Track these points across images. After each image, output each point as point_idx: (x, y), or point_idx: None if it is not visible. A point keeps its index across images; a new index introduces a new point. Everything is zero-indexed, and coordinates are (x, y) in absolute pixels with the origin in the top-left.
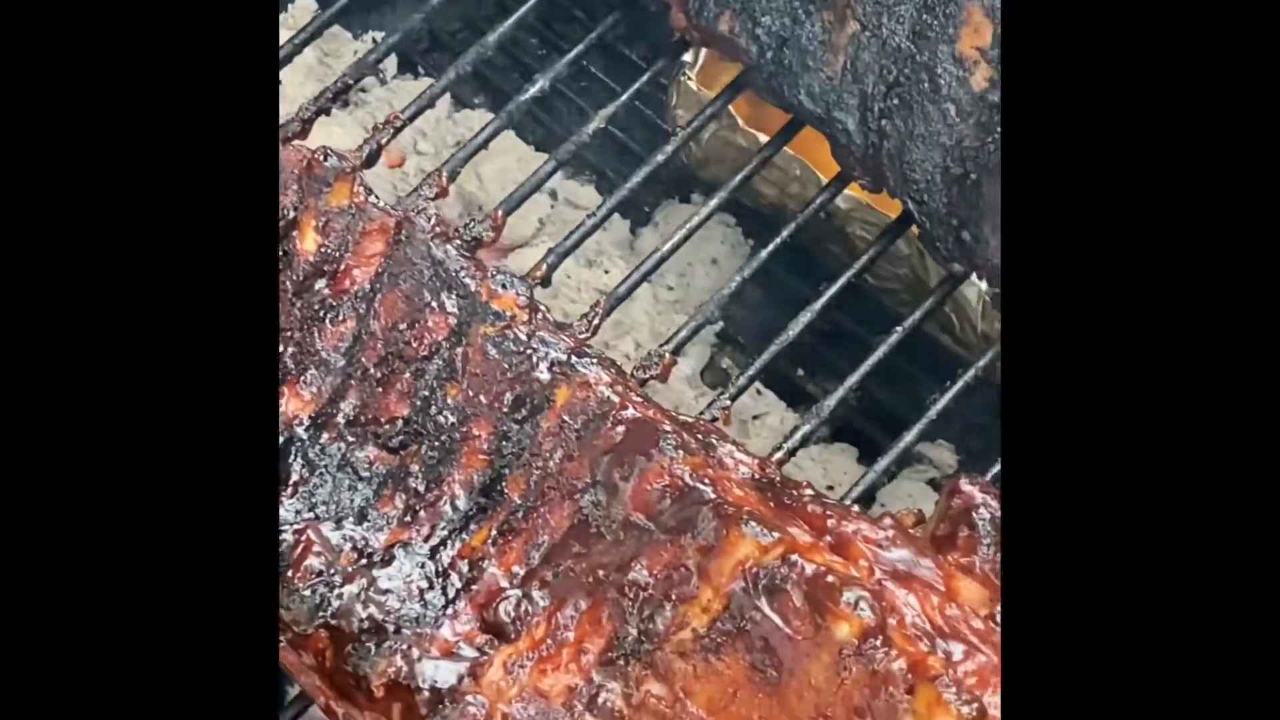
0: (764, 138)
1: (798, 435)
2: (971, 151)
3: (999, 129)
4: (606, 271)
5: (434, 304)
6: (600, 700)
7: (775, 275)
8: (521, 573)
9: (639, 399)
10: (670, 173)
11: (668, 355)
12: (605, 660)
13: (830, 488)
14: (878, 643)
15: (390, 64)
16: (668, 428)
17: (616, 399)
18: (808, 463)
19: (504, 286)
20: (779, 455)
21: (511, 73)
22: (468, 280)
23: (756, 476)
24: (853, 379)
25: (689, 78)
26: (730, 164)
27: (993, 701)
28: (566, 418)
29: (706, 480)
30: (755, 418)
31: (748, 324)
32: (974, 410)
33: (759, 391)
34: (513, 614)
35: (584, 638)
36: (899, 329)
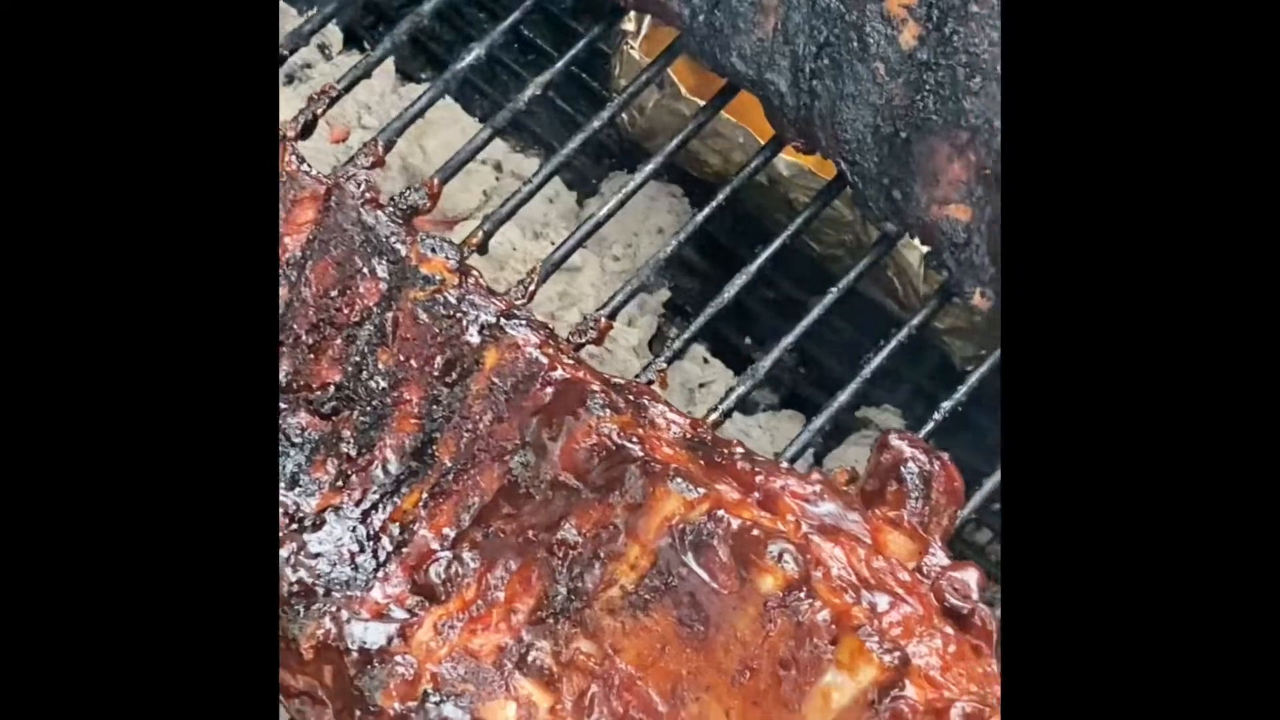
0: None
1: (733, 396)
2: (901, 110)
3: (929, 90)
4: (554, 244)
5: (365, 270)
6: (530, 659)
7: (723, 245)
8: (452, 535)
9: (569, 361)
10: (618, 145)
11: (604, 320)
12: (535, 619)
13: (777, 455)
14: (802, 595)
15: (336, 40)
16: (596, 388)
17: (545, 360)
18: (756, 430)
19: (433, 251)
20: (714, 417)
21: (458, 46)
22: (398, 245)
23: (688, 436)
24: (788, 339)
25: (632, 47)
26: (675, 134)
27: (917, 650)
28: (496, 380)
29: (635, 439)
30: (702, 385)
31: (696, 294)
32: (920, 374)
33: (705, 360)
34: (443, 576)
35: (514, 598)
36: (834, 289)
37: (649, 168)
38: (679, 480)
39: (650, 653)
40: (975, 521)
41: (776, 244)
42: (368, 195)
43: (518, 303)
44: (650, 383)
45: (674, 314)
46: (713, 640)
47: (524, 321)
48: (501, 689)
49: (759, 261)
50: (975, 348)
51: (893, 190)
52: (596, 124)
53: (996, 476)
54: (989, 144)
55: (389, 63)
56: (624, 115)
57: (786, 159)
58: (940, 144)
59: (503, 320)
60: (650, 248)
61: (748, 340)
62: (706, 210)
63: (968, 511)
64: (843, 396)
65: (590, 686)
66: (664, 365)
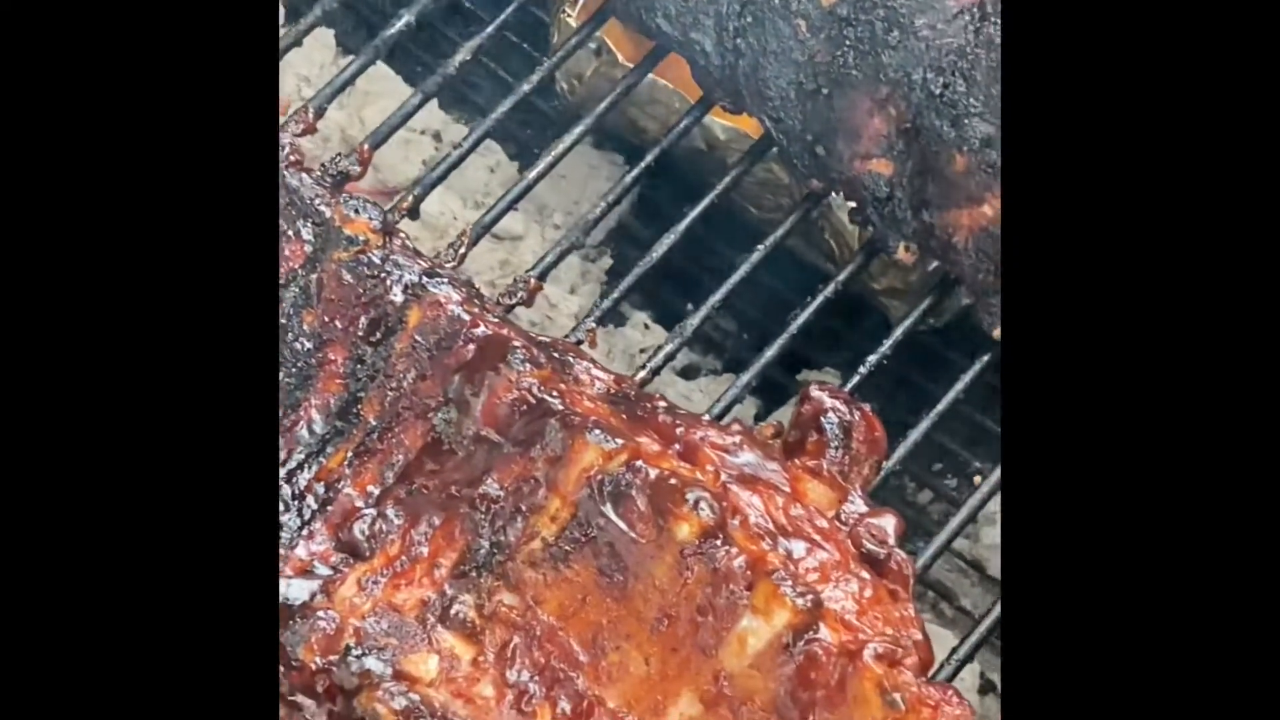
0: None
1: (661, 354)
2: (823, 66)
3: (849, 46)
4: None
5: (289, 232)
6: (453, 612)
7: (665, 212)
8: (376, 492)
9: (494, 320)
10: (559, 115)
11: (534, 280)
12: (458, 573)
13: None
14: (718, 542)
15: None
16: (518, 343)
17: (467, 317)
18: (697, 394)
19: (356, 212)
20: (642, 375)
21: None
22: (323, 207)
23: (612, 391)
24: (715, 297)
25: (569, 15)
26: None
27: (832, 595)
28: (419, 338)
29: (555, 393)
30: (643, 351)
31: (639, 261)
32: (861, 337)
33: (646, 326)
34: (367, 533)
35: (437, 552)
36: (760, 247)
37: (578, 129)
38: (597, 432)
39: (571, 603)
40: (901, 474)
41: (704, 204)
42: (292, 159)
43: (448, 265)
44: (580, 342)
45: (617, 282)
46: (632, 589)
47: (446, 280)
48: (424, 642)
49: (686, 221)
50: (911, 308)
51: (816, 147)
52: (526, 87)
53: (922, 427)
54: (908, 98)
55: (329, 36)
56: (563, 84)
57: (723, 123)
58: (861, 99)
59: (425, 279)
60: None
61: (690, 306)
62: (635, 171)
63: (892, 464)
64: (770, 352)
65: (512, 638)
66: (593, 325)
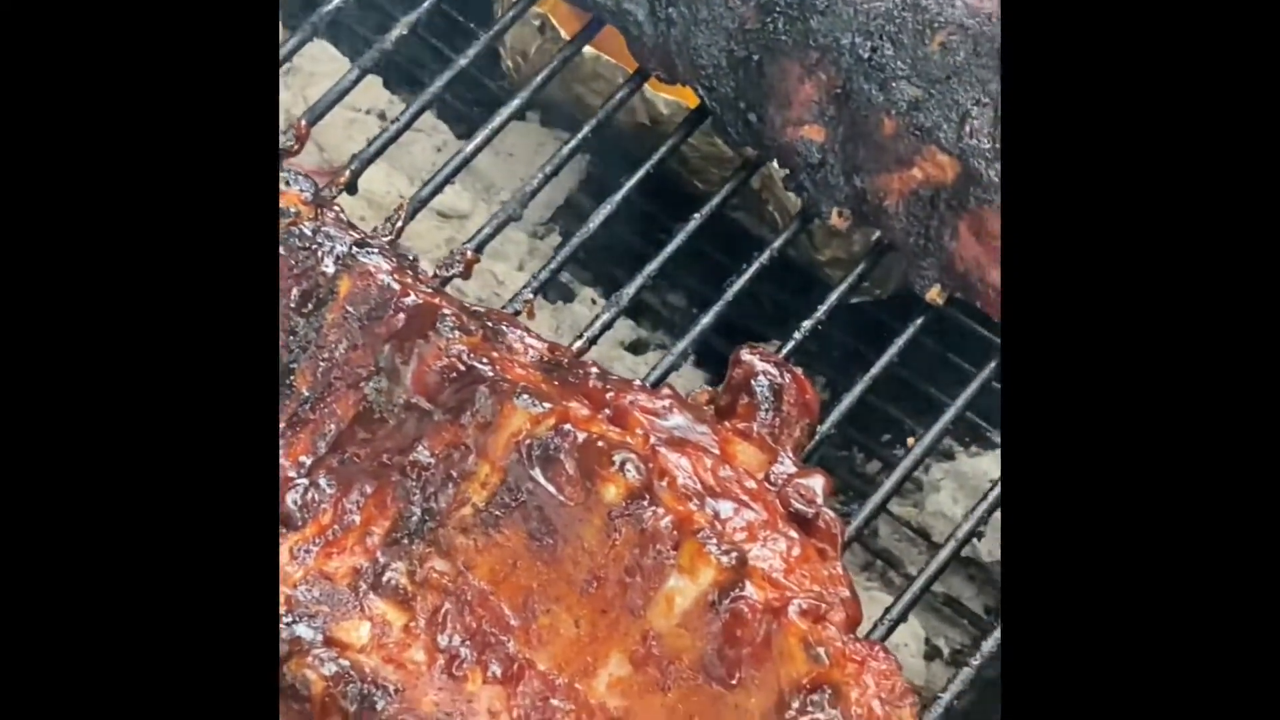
0: (591, 50)
1: (597, 324)
2: (754, 34)
3: (778, 12)
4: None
5: None
6: (385, 579)
7: (612, 189)
8: (309, 462)
9: (426, 290)
10: (505, 93)
11: (470, 252)
12: (390, 541)
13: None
14: (645, 503)
15: None
16: (448, 311)
17: (398, 286)
18: (643, 368)
19: (287, 184)
20: (579, 344)
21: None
22: None
23: (545, 359)
24: (651, 266)
25: None
26: (559, 78)
27: (760, 554)
28: (350, 308)
29: (485, 360)
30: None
31: (587, 238)
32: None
33: (594, 302)
34: (300, 502)
35: (369, 521)
36: (696, 216)
37: (514, 102)
38: (525, 397)
39: (502, 568)
40: (849, 444)
41: (639, 174)
42: None
43: (385, 239)
44: (517, 313)
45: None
46: (561, 552)
47: (376, 250)
48: (356, 609)
49: (623, 191)
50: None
51: (748, 114)
52: (464, 60)
53: (856, 391)
54: (837, 63)
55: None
56: (508, 62)
57: (666, 97)
58: (791, 65)
59: (356, 250)
60: (540, 194)
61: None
62: (573, 143)
63: (827, 427)
64: (705, 320)
65: (443, 603)
66: (530, 295)
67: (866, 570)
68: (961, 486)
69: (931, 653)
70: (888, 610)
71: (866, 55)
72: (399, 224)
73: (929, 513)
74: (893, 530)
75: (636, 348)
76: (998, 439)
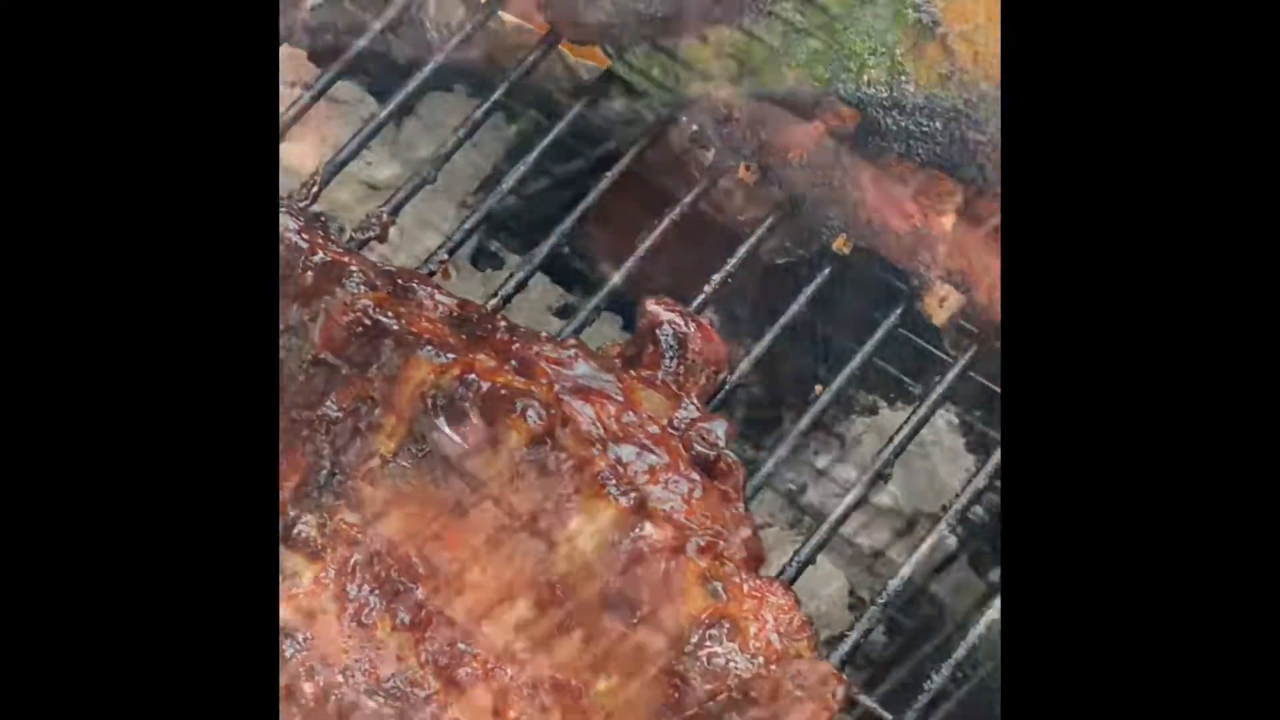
0: (512, 19)
1: (512, 282)
2: None
3: None
4: (369, 163)
5: None
6: (295, 532)
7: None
8: None
9: (334, 248)
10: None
11: (385, 215)
12: (300, 495)
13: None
14: (547, 448)
15: None
16: (354, 268)
17: (305, 245)
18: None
19: None
20: (494, 302)
21: None
22: None
23: (454, 314)
24: (565, 224)
25: None
26: (485, 49)
27: (661, 495)
28: None
29: (391, 315)
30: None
31: (519, 209)
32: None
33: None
34: None
35: (281, 477)
36: (608, 174)
37: (428, 67)
38: (429, 349)
39: (410, 518)
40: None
41: (551, 136)
42: None
43: (300, 204)
44: (431, 273)
45: (496, 229)
46: (467, 501)
47: (284, 210)
48: None
49: (534, 154)
50: (780, 239)
51: (654, 71)
52: (379, 24)
53: (764, 341)
54: (739, 20)
55: None
56: (434, 34)
57: (589, 64)
58: (694, 23)
59: None
60: (467, 166)
61: (567, 250)
62: (485, 105)
63: (736, 377)
64: (615, 278)
65: (353, 554)
66: (445, 256)
67: (795, 527)
68: (884, 441)
69: (855, 604)
70: (796, 552)
71: (769, 9)
72: (314, 189)
73: (853, 465)
74: (820, 487)
75: (565, 313)
76: (918, 391)
